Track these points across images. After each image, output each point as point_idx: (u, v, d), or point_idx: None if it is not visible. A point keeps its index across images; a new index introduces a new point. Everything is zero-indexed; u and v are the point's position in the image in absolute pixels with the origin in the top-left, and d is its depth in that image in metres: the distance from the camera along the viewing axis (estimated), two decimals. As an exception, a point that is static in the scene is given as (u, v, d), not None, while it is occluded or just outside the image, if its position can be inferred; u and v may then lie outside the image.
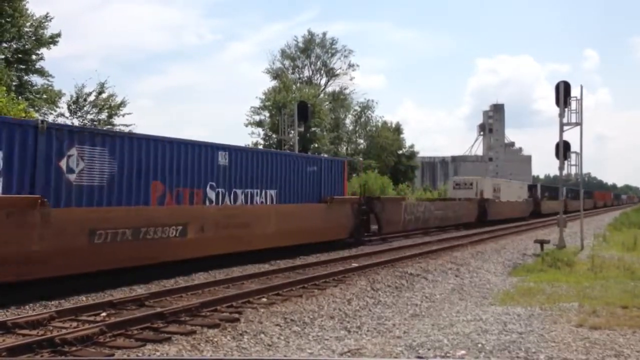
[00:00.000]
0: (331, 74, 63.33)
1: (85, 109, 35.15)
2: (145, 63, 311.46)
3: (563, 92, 22.73)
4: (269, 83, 58.72)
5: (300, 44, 62.14)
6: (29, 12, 32.27)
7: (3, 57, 31.72)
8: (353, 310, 10.85)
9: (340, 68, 63.09)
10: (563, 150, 23.27)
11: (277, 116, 41.38)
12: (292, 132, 31.28)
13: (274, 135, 46.32)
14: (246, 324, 9.20)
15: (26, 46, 32.71)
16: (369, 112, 64.26)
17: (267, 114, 49.44)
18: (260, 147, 48.12)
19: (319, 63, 63.03)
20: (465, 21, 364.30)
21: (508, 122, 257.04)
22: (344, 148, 60.48)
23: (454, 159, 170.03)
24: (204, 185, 16.03)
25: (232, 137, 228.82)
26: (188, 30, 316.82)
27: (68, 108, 34.73)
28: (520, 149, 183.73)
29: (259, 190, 18.20)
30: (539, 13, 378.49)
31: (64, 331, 8.21)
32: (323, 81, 63.62)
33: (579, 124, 23.22)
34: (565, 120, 23.07)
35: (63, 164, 12.25)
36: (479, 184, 40.76)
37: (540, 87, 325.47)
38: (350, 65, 63.08)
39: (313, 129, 48.49)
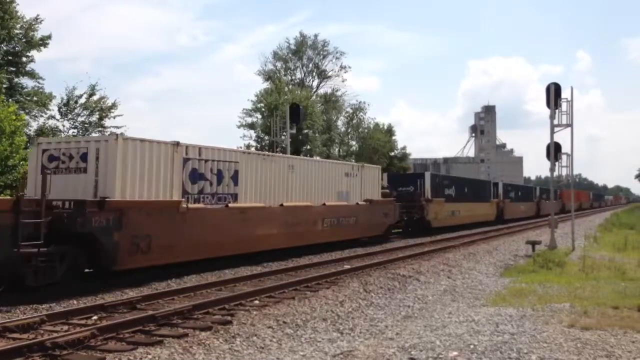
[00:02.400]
0: (323, 75, 63.36)
1: (76, 111, 34.98)
2: (139, 65, 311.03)
3: (554, 94, 22.86)
4: (262, 85, 58.65)
5: (292, 46, 62.14)
6: (19, 14, 32.10)
7: (-7, 59, 31.55)
8: (345, 312, 10.85)
9: (332, 70, 63.15)
10: (554, 151, 23.39)
11: (270, 118, 41.34)
12: (285, 134, 31.28)
13: (266, 138, 46.24)
14: (238, 326, 9.18)
15: (16, 48, 32.49)
16: (361, 114, 64.37)
17: (260, 116, 49.39)
18: (252, 149, 48.03)
19: (310, 65, 63.04)
20: (458, 23, 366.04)
21: (501, 124, 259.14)
22: (336, 150, 60.50)
23: (446, 160, 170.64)
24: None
25: (225, 139, 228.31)
26: (181, 32, 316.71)
27: (59, 110, 34.55)
28: (511, 151, 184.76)
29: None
30: (531, 15, 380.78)
31: (55, 335, 8.16)
32: (315, 83, 63.66)
33: (569, 125, 23.36)
34: (556, 122, 23.20)
35: None
36: (102, 152, 13.76)
37: (533, 88, 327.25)
38: (342, 67, 63.12)
39: (305, 131, 48.46)
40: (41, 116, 33.45)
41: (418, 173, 37.88)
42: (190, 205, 15.30)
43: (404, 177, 35.86)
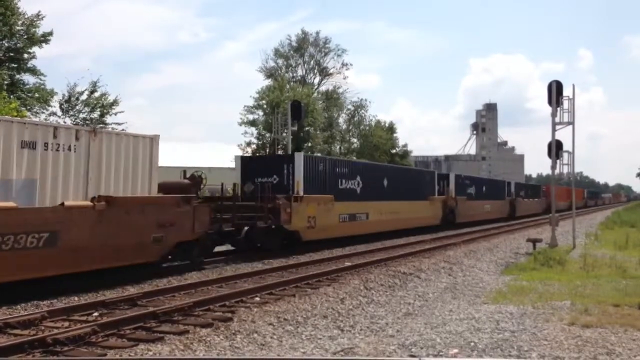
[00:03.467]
0: (324, 73, 63.31)
1: (77, 108, 35.01)
2: (140, 62, 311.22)
3: (555, 92, 22.81)
4: (263, 82, 58.59)
5: (294, 43, 62.09)
6: (20, 10, 32.09)
7: (-6, 55, 31.57)
8: (346, 309, 10.85)
9: (333, 67, 63.09)
10: (555, 149, 23.37)
11: (271, 115, 41.33)
12: (286, 131, 31.27)
13: (267, 135, 46.23)
14: (239, 323, 9.18)
15: (18, 45, 32.50)
16: (362, 111, 64.35)
17: (261, 113, 49.39)
18: (253, 146, 47.97)
19: (312, 62, 62.98)
20: (459, 21, 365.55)
21: (502, 121, 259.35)
22: (337, 147, 60.49)
23: (447, 158, 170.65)
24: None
25: (226, 136, 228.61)
26: (182, 29, 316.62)
27: (60, 107, 34.57)
28: (513, 148, 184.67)
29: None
30: (533, 12, 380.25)
31: (55, 331, 8.18)
32: (316, 80, 63.61)
33: (571, 123, 23.31)
34: (557, 120, 23.16)
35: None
36: None
37: (534, 86, 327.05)
38: (344, 65, 63.07)
39: (307, 128, 48.45)
40: (42, 113, 33.48)
41: (286, 155, 23.72)
42: None
43: (265, 161, 23.28)
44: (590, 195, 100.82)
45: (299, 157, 20.92)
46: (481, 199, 40.28)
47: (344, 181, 23.39)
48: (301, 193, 20.25)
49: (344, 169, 23.93)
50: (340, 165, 24.01)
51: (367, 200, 24.65)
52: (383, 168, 29.41)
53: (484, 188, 41.69)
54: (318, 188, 21.39)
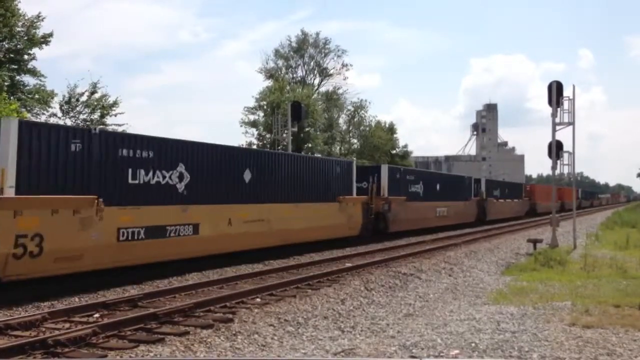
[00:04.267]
0: (324, 74, 63.35)
1: (77, 109, 35.00)
2: (140, 62, 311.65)
3: (555, 92, 22.83)
4: (263, 82, 58.67)
5: (294, 44, 62.14)
6: (20, 11, 32.09)
7: (-5, 57, 31.56)
8: (347, 310, 10.85)
9: (333, 68, 63.14)
10: (555, 149, 23.37)
11: (272, 116, 41.35)
12: (286, 132, 31.31)
13: (268, 135, 46.26)
14: (240, 324, 9.18)
15: (18, 46, 32.50)
16: (363, 111, 64.42)
17: (262, 114, 49.43)
18: (254, 146, 48.01)
19: (312, 63, 63.03)
20: (460, 21, 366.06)
21: (502, 121, 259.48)
22: (338, 148, 60.51)
23: (447, 158, 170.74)
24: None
25: (227, 136, 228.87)
26: (182, 28, 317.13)
27: (60, 108, 34.58)
28: (513, 149, 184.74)
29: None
30: (533, 12, 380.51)
31: (56, 332, 8.18)
32: (316, 81, 63.65)
33: (571, 123, 23.32)
34: (557, 120, 23.17)
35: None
36: None
37: (535, 86, 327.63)
38: (344, 65, 63.13)
39: (307, 129, 48.50)
40: (43, 114, 33.48)
41: None
42: None
43: None
44: (586, 195, 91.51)
45: (9, 126, 11.38)
46: (433, 200, 31.53)
47: (143, 172, 14.07)
48: (8, 192, 11.28)
49: (146, 151, 14.16)
50: (132, 144, 13.88)
51: (200, 202, 15.64)
52: (242, 153, 18.95)
53: (437, 186, 32.80)
54: (65, 183, 12.27)
